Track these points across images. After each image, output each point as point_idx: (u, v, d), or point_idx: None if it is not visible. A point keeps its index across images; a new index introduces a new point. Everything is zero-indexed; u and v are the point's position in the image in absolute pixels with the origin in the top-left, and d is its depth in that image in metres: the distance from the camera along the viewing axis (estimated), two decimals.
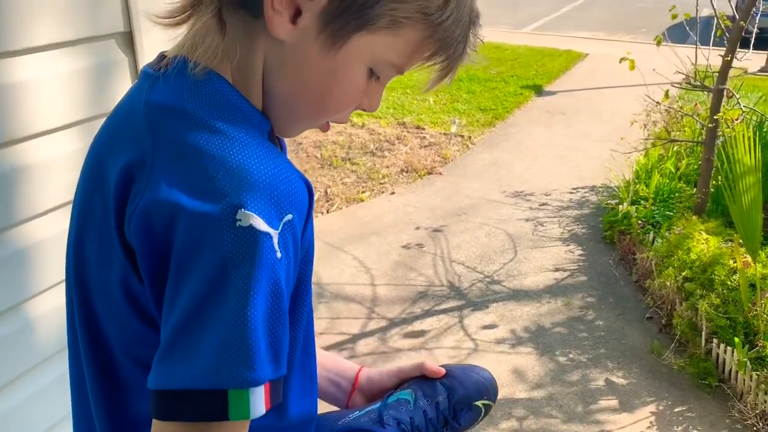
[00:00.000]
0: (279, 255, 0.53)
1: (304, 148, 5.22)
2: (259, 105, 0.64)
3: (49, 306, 1.41)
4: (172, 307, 0.52)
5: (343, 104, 0.65)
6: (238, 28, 0.61)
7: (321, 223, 4.14)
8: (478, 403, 0.91)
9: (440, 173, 4.92)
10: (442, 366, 0.94)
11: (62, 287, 0.70)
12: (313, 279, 3.47)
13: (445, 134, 5.67)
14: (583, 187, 4.65)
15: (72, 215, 0.67)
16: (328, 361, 0.93)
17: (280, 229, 0.53)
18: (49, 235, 1.38)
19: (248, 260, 0.51)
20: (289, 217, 0.55)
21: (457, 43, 0.63)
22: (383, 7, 0.58)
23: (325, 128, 0.69)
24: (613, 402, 2.66)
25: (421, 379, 0.91)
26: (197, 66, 0.60)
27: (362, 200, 4.45)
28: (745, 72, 3.92)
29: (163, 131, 0.57)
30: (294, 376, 0.65)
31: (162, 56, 0.64)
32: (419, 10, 0.59)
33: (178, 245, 0.52)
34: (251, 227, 0.51)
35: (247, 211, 0.52)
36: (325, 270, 3.55)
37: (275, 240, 0.53)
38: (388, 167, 4.95)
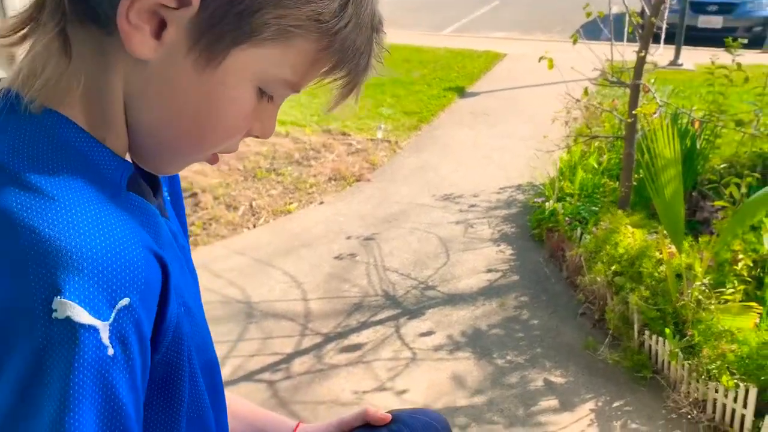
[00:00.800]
0: (111, 352, 0.42)
1: (226, 161, 5.05)
2: (122, 143, 0.53)
3: None
4: None
5: (228, 132, 0.54)
6: (87, 48, 0.50)
7: (248, 238, 4.00)
8: None
9: (369, 180, 4.85)
10: (388, 412, 0.87)
11: None
12: (242, 298, 3.34)
13: (371, 140, 5.62)
14: (510, 187, 4.69)
15: None
16: (260, 422, 0.83)
17: (111, 318, 0.42)
18: None
19: (64, 361, 0.40)
20: (125, 302, 0.43)
21: (360, 55, 0.54)
22: (266, 15, 0.48)
23: (212, 160, 0.58)
24: (553, 402, 2.65)
25: (366, 428, 0.84)
26: (32, 102, 0.48)
27: (290, 212, 4.33)
28: (656, 66, 4.04)
29: None
30: None
31: None
32: (311, 16, 0.50)
33: None
34: (68, 320, 0.41)
35: (64, 299, 0.41)
36: (254, 288, 3.42)
37: (104, 334, 0.42)
38: (315, 176, 4.85)
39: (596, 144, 4.58)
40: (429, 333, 3.09)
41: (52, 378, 0.40)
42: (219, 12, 0.48)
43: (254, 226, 4.14)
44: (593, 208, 3.74)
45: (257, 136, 0.56)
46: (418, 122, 6.09)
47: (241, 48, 0.50)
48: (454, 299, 3.36)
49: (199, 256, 3.72)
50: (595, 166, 4.28)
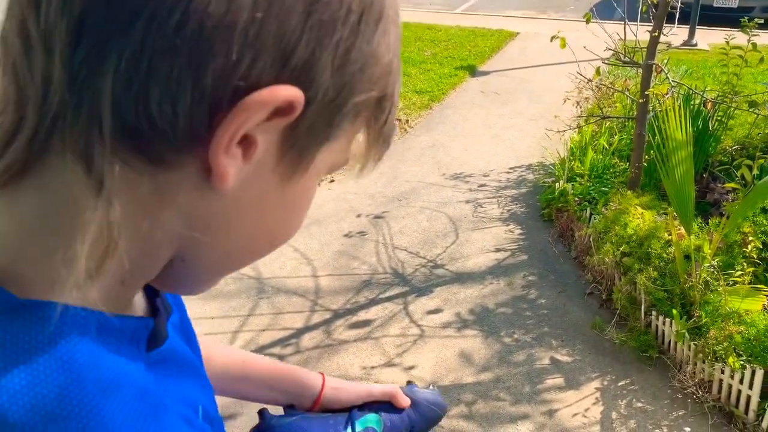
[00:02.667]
0: None
1: None
2: (141, 284, 0.43)
3: None
4: None
5: (295, 229, 0.47)
6: (127, 192, 0.36)
7: None
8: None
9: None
10: (409, 387, 0.89)
11: None
12: (254, 274, 3.38)
13: None
14: (519, 167, 4.68)
15: None
16: (279, 379, 0.83)
17: None
18: None
19: None
20: None
21: (394, 99, 0.46)
22: (351, 103, 0.40)
23: None
24: (559, 380, 2.68)
25: (388, 405, 0.86)
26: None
27: None
28: (669, 46, 4.01)
29: None
30: None
31: None
32: (380, 94, 0.42)
33: None
34: None
35: None
36: (265, 264, 3.46)
37: None
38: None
39: (607, 124, 4.56)
40: (437, 311, 3.12)
41: None
42: (316, 111, 0.38)
43: None
44: (603, 188, 3.74)
45: None
46: (429, 101, 6.07)
47: (324, 147, 0.41)
48: (462, 278, 3.38)
49: None
50: (606, 146, 4.26)
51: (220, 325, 2.99)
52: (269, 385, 0.82)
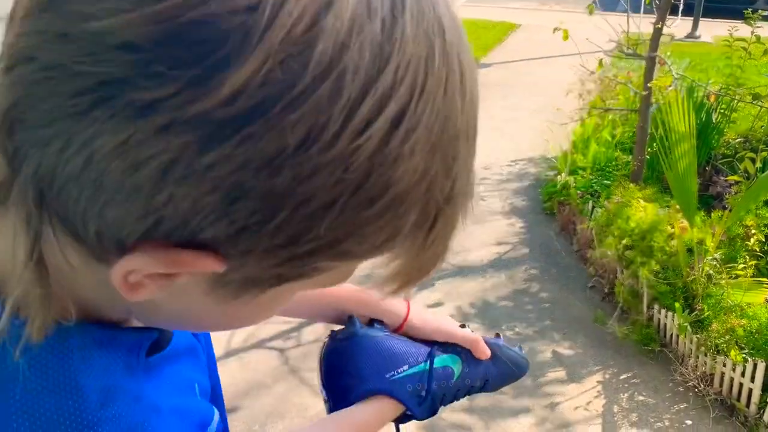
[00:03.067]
0: None
1: None
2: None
3: None
4: None
5: (262, 320, 0.45)
6: (72, 268, 0.38)
7: None
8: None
9: None
10: (495, 338, 0.84)
11: None
12: None
13: None
14: (521, 160, 4.67)
15: None
16: (371, 304, 0.79)
17: None
18: None
19: None
20: None
21: (443, 252, 0.41)
22: (322, 263, 0.36)
23: None
24: (561, 373, 2.68)
25: (468, 351, 0.81)
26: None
27: None
28: (673, 38, 3.98)
29: None
30: None
31: None
32: (385, 246, 0.37)
33: None
34: None
35: None
36: None
37: None
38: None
39: (610, 117, 4.54)
40: (438, 304, 3.11)
41: None
42: (254, 269, 0.35)
43: None
44: (605, 181, 3.73)
45: None
46: None
47: (283, 286, 0.38)
48: (463, 271, 3.37)
49: None
50: (609, 139, 4.25)
51: None
52: (351, 308, 0.79)
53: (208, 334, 0.64)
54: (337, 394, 0.75)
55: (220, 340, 2.79)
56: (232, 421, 2.35)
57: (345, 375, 0.74)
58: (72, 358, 0.40)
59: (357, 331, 0.75)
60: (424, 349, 0.78)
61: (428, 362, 0.76)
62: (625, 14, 3.64)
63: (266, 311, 0.43)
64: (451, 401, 0.80)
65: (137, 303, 0.38)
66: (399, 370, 0.74)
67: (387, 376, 0.74)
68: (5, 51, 0.32)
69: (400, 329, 0.79)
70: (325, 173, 0.31)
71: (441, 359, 0.78)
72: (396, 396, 0.74)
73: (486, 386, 0.82)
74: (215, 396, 0.61)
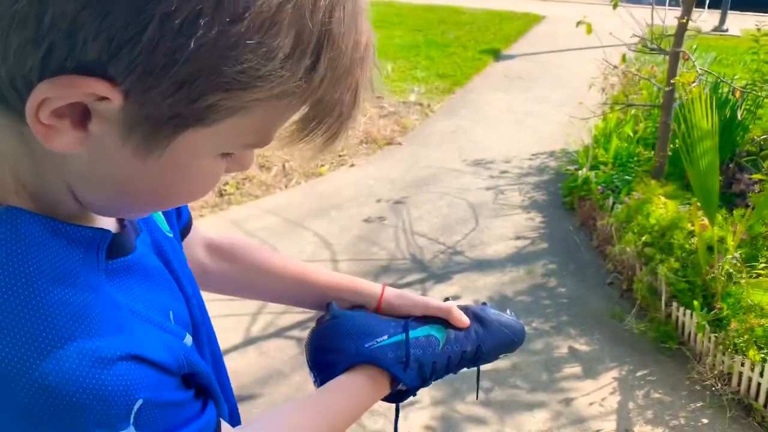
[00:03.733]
0: None
1: None
2: (79, 208, 0.49)
3: None
4: None
5: (196, 195, 0.49)
6: (7, 137, 0.44)
7: (280, 199, 4.05)
8: (501, 356, 0.87)
9: (400, 143, 4.85)
10: (481, 306, 0.87)
11: None
12: None
13: (404, 103, 5.59)
14: (542, 153, 4.65)
15: None
16: (347, 289, 0.85)
17: (132, 421, 0.44)
18: None
19: None
20: (139, 403, 0.44)
21: (342, 104, 0.45)
22: (211, 99, 0.40)
23: None
24: (577, 369, 2.68)
25: (446, 323, 0.84)
26: None
27: (321, 174, 4.37)
28: (699, 32, 3.93)
29: None
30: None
31: None
32: (270, 95, 0.41)
33: None
34: None
35: None
36: (285, 247, 3.48)
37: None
38: (346, 139, 4.86)
39: (632, 112, 4.50)
40: (455, 297, 3.12)
41: None
42: (150, 103, 0.39)
43: (286, 187, 4.19)
44: (627, 177, 3.70)
45: (235, 172, 0.52)
46: (451, 85, 6.03)
47: (187, 133, 0.42)
48: (481, 265, 3.38)
49: (232, 214, 3.79)
50: (631, 134, 4.21)
51: (240, 308, 3.03)
52: (330, 295, 0.84)
53: (197, 289, 0.66)
54: (324, 372, 0.79)
55: (238, 329, 2.83)
56: (250, 408, 2.39)
57: (328, 352, 0.78)
58: (24, 243, 0.44)
59: (336, 313, 0.80)
60: (403, 322, 0.82)
61: (404, 332, 0.80)
62: (650, 7, 3.60)
63: (190, 176, 0.46)
64: (447, 370, 0.82)
65: (72, 175, 0.44)
66: (378, 340, 0.78)
67: (367, 345, 0.78)
68: None
69: (378, 309, 0.84)
70: None
71: (422, 329, 0.81)
72: (378, 363, 0.77)
73: (481, 352, 0.84)
74: (201, 329, 0.64)
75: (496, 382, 2.61)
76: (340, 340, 0.78)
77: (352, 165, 4.50)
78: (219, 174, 0.48)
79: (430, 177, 4.32)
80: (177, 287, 0.61)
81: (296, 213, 3.86)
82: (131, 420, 0.44)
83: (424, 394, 2.51)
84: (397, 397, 0.82)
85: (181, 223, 0.75)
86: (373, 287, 0.85)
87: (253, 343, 2.79)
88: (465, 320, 0.84)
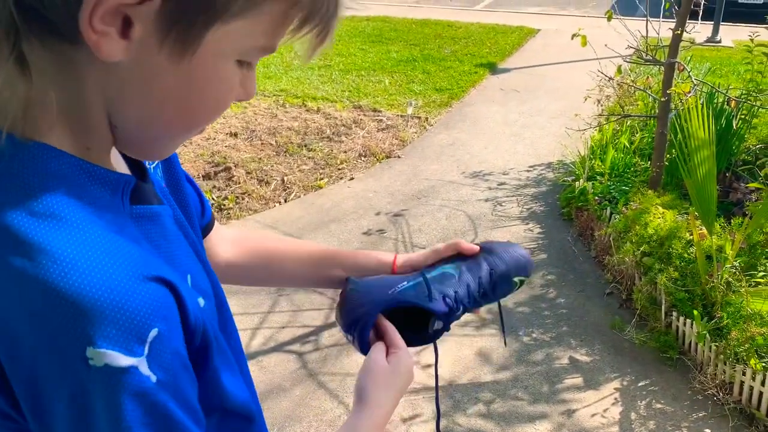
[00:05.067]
0: (154, 378, 0.45)
1: (258, 135, 5.11)
2: (107, 144, 0.54)
3: None
4: None
5: (217, 109, 0.55)
6: (50, 64, 0.48)
7: (279, 212, 4.06)
8: (516, 278, 0.93)
9: (399, 156, 4.87)
10: (484, 242, 0.94)
11: None
12: None
13: (402, 116, 5.62)
14: (539, 165, 4.66)
15: None
16: (361, 261, 0.92)
17: (146, 351, 0.44)
18: None
19: (116, 403, 0.43)
20: (154, 332, 0.45)
21: (328, 2, 0.53)
22: None
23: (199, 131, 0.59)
24: (578, 380, 2.68)
25: (459, 258, 0.92)
26: (10, 138, 0.47)
27: (320, 187, 4.37)
28: (693, 43, 3.96)
29: None
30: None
31: None
32: None
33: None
34: (107, 366, 0.43)
35: (97, 350, 0.42)
36: None
37: (143, 367, 0.44)
38: (345, 152, 4.88)
39: (628, 123, 4.52)
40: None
41: (100, 419, 0.43)
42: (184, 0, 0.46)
43: (285, 201, 4.20)
44: (624, 187, 3.72)
45: (241, 100, 0.57)
46: (448, 99, 6.07)
47: (215, 29, 0.48)
48: None
49: None
50: (627, 145, 4.23)
51: (239, 322, 3.02)
52: (347, 264, 0.92)
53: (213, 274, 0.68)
54: (357, 328, 0.84)
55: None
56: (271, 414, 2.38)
57: (357, 308, 0.85)
58: (50, 178, 0.47)
59: (356, 281, 0.88)
60: (419, 272, 0.90)
61: (420, 277, 0.87)
62: (645, 19, 3.63)
63: (216, 80, 0.52)
64: (470, 299, 0.88)
65: (113, 89, 0.49)
66: (398, 287, 0.86)
67: (390, 292, 0.85)
68: None
69: (394, 272, 0.92)
70: None
71: (436, 270, 0.89)
72: (403, 301, 0.84)
73: (496, 275, 0.91)
74: (218, 302, 0.67)
75: (497, 394, 2.60)
76: (366, 296, 0.85)
77: (352, 178, 4.51)
78: (236, 84, 0.54)
79: (429, 189, 4.33)
80: (196, 256, 0.63)
81: (296, 227, 3.86)
82: (145, 349, 0.45)
83: (426, 407, 2.51)
84: (433, 336, 0.88)
85: (205, 220, 0.81)
86: (385, 256, 0.93)
87: (253, 357, 2.79)
88: (474, 247, 0.92)
